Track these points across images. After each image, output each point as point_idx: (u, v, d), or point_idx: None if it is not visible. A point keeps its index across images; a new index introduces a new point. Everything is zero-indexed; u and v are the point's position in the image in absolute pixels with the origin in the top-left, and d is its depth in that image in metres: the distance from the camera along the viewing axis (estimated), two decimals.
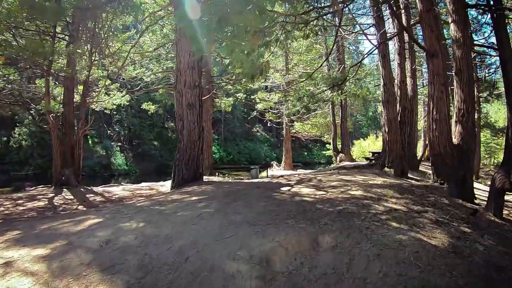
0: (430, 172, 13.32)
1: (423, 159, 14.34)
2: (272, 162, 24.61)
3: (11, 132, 28.22)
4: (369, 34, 12.63)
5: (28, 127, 28.47)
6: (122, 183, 14.87)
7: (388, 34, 10.75)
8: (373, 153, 16.66)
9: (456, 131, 5.88)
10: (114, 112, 34.05)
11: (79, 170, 13.24)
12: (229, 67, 19.27)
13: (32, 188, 12.94)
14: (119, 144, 33.76)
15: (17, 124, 28.31)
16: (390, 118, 10.15)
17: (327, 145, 29.23)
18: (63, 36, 12.68)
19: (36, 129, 27.57)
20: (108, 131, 34.21)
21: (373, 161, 16.13)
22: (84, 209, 8.80)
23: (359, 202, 4.68)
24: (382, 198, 4.95)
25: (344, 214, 4.27)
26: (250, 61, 5.46)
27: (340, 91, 7.75)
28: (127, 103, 18.01)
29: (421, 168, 12.82)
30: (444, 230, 3.71)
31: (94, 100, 15.71)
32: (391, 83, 10.28)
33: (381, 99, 10.41)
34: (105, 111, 17.40)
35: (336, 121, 22.15)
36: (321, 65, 12.82)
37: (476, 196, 6.12)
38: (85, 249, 3.70)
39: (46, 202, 9.82)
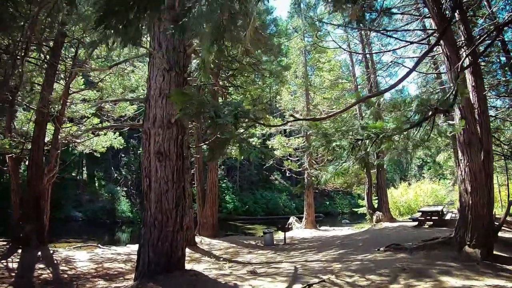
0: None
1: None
2: (290, 220, 20.73)
3: None
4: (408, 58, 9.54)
5: None
6: (99, 245, 12.09)
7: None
8: (424, 213, 12.82)
9: None
10: (122, 155, 32.58)
11: (44, 226, 10.46)
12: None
13: None
14: (125, 189, 31.25)
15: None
16: (474, 170, 6.61)
17: (359, 201, 25.26)
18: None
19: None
20: (115, 175, 31.95)
21: (422, 222, 12.61)
22: None
23: None
24: None
25: None
26: None
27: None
28: (121, 146, 15.56)
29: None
30: None
31: (79, 141, 13.48)
32: (472, 115, 6.88)
33: (459, 140, 6.95)
34: (95, 154, 14.97)
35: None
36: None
37: None
38: None
39: None
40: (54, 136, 10.98)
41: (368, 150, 3.72)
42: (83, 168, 31.89)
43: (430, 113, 3.05)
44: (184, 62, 6.32)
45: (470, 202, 6.74)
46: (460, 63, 4.93)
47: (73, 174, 29.97)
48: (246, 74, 14.88)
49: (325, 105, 18.72)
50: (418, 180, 33.85)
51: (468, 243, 6.79)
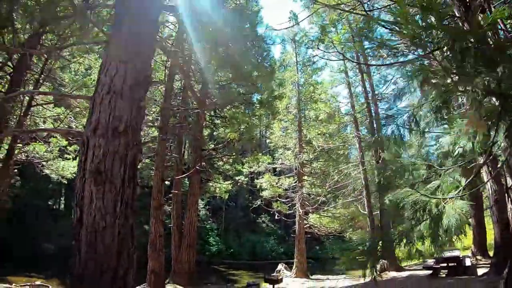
0: None
1: None
2: (279, 267, 18.50)
3: None
4: None
5: None
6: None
7: None
8: (438, 261, 10.71)
9: None
10: None
11: None
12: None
13: None
14: None
15: None
16: None
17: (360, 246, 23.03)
18: None
19: None
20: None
21: (437, 271, 10.65)
22: None
23: None
24: None
25: None
26: None
27: None
28: None
29: None
30: None
31: (37, 161, 12.57)
32: None
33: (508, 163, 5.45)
34: (63, 180, 14.08)
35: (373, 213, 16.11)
36: None
37: None
38: None
39: None
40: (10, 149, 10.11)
41: None
42: (61, 198, 29.91)
43: None
44: (148, 55, 4.77)
45: None
46: None
47: (49, 203, 28.12)
48: (235, 104, 13.46)
49: (321, 140, 17.21)
50: None
51: None
